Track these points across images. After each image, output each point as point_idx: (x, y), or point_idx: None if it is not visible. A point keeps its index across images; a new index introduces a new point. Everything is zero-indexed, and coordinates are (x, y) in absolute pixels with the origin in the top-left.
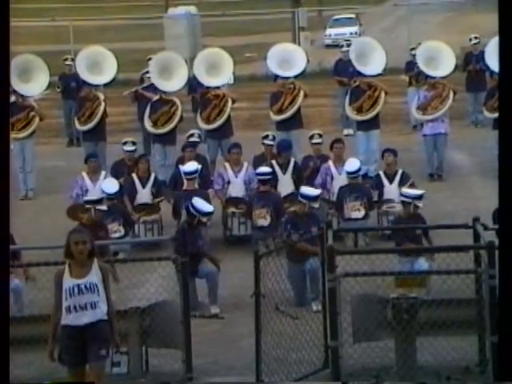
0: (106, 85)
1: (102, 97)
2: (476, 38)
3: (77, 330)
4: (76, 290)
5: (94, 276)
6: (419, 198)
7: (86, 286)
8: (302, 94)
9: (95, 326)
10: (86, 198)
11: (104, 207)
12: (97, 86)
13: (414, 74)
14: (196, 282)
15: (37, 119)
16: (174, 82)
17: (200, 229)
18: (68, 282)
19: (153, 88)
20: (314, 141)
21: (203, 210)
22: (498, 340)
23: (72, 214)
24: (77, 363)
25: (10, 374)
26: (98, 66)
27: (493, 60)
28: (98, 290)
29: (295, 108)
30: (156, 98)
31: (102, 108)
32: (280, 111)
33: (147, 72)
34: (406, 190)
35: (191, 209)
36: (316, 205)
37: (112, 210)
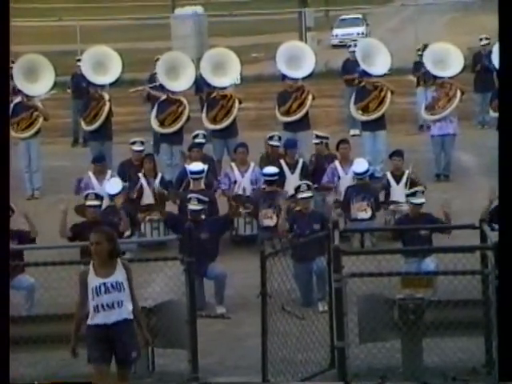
0: (111, 84)
1: (107, 97)
2: (487, 38)
3: (104, 329)
4: (103, 288)
5: (120, 275)
6: (422, 193)
7: (112, 285)
8: (310, 97)
9: (121, 325)
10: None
11: (95, 202)
12: (103, 85)
13: (421, 74)
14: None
15: (41, 119)
16: (181, 82)
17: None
18: (94, 281)
19: (162, 88)
20: (313, 141)
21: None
22: (498, 341)
23: (80, 213)
24: (103, 361)
25: (16, 373)
26: (103, 65)
27: None
28: (124, 289)
29: (303, 112)
30: (163, 97)
31: (107, 108)
32: (287, 113)
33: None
34: (413, 201)
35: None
36: (308, 194)
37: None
